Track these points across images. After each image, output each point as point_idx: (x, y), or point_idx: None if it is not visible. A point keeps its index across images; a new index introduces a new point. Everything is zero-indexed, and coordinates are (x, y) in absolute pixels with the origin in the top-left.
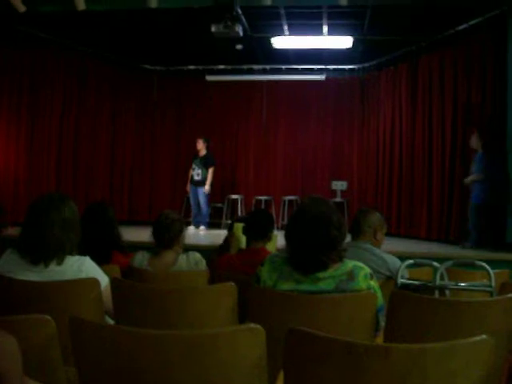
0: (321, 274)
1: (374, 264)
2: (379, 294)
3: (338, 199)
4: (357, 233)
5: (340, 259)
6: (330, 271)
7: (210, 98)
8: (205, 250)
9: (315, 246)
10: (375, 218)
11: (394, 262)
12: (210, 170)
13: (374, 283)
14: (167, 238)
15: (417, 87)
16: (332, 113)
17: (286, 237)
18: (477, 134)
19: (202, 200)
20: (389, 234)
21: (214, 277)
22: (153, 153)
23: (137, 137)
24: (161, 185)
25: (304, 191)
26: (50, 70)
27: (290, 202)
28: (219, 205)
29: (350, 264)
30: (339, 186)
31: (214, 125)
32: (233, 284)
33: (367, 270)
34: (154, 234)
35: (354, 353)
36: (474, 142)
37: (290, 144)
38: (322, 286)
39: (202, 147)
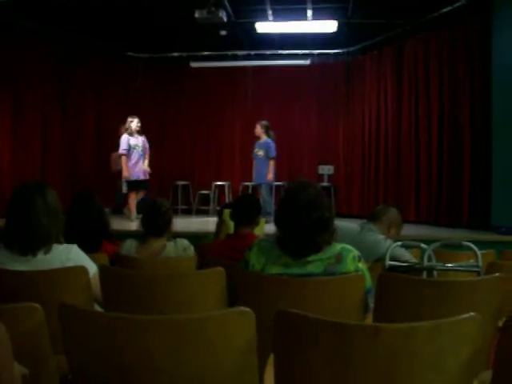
0: (310, 258)
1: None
2: (367, 275)
3: (325, 183)
4: (372, 218)
5: (330, 242)
6: (319, 254)
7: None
8: (193, 237)
9: (309, 227)
10: (395, 214)
11: (384, 247)
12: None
13: (362, 265)
14: (159, 226)
15: (402, 71)
16: (317, 98)
17: (277, 221)
18: None
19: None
20: None
21: (203, 262)
22: None
23: (122, 125)
24: None
25: (291, 176)
26: (33, 59)
27: (277, 187)
28: (206, 192)
29: (338, 247)
30: (326, 170)
31: (199, 112)
32: (221, 269)
33: (355, 252)
34: (145, 221)
35: (343, 333)
36: None
37: (276, 129)
38: (311, 269)
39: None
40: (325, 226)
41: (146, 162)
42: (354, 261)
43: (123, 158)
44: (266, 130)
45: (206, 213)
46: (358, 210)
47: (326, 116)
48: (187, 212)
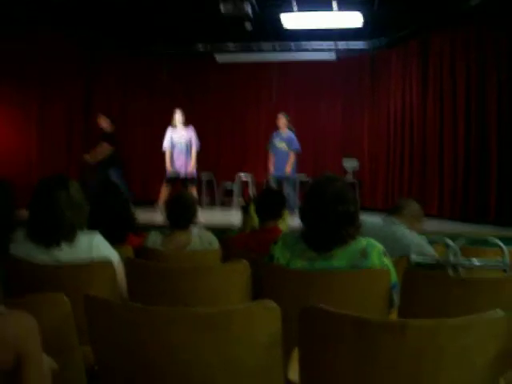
0: (334, 252)
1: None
2: (393, 270)
3: (350, 178)
4: (394, 212)
5: (355, 236)
6: (344, 247)
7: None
8: (216, 230)
9: (335, 221)
10: (416, 207)
11: (411, 241)
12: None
13: (387, 261)
14: (184, 218)
15: (428, 65)
16: (342, 92)
17: (303, 215)
18: None
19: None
20: None
21: (227, 256)
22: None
23: (147, 120)
24: None
25: (316, 171)
26: (59, 56)
27: (302, 182)
28: (228, 185)
29: (363, 242)
30: (350, 164)
31: (224, 106)
32: (246, 262)
33: (380, 247)
34: (171, 214)
35: (368, 329)
36: None
37: (301, 124)
38: (336, 263)
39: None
40: (350, 220)
41: (193, 158)
42: (379, 256)
43: (166, 152)
44: (288, 122)
45: (229, 205)
46: (383, 204)
47: (350, 110)
48: (211, 204)
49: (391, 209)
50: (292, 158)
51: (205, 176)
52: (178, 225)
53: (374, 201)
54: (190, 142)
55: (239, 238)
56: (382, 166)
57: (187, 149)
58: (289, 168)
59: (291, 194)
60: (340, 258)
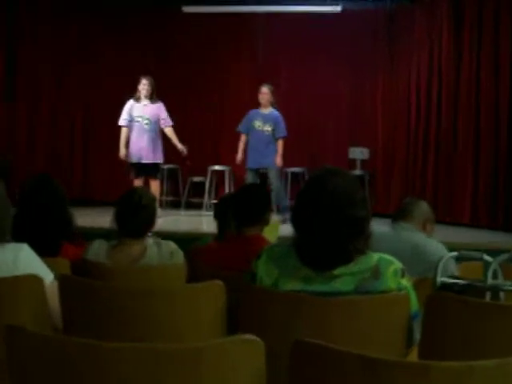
0: (337, 271)
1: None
2: (413, 296)
3: (358, 171)
4: (402, 215)
5: (364, 249)
6: (350, 266)
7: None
8: (182, 239)
9: (338, 230)
10: (426, 208)
11: (436, 250)
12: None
13: (406, 282)
14: (137, 224)
15: (462, 22)
16: (350, 57)
17: (295, 220)
18: None
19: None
20: None
21: (195, 273)
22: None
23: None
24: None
25: (313, 161)
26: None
27: (295, 174)
28: (199, 179)
29: (374, 257)
30: (359, 153)
31: (192, 71)
32: (219, 283)
33: (397, 264)
34: (120, 218)
35: (381, 371)
36: None
37: (294, 98)
38: (339, 285)
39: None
40: (358, 229)
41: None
42: (395, 276)
43: (122, 130)
44: (273, 94)
45: (198, 207)
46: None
47: (360, 81)
48: (175, 205)
49: (398, 212)
50: (281, 146)
51: (166, 168)
52: (128, 232)
53: (389, 202)
54: (157, 119)
55: (210, 249)
56: (401, 156)
57: (152, 129)
58: (279, 159)
59: (281, 193)
60: (345, 279)
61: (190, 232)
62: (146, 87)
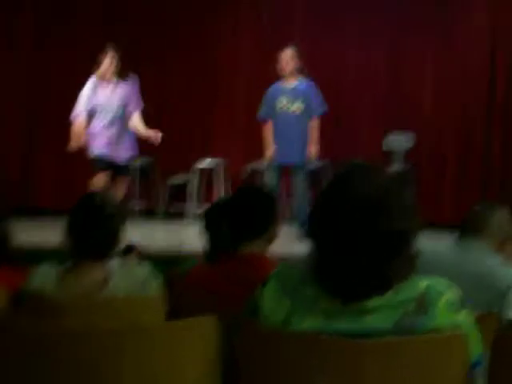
0: (370, 302)
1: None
2: (475, 336)
3: (397, 166)
4: (473, 230)
5: (407, 273)
6: (388, 297)
7: None
8: (159, 259)
9: (371, 249)
10: (507, 220)
11: (506, 275)
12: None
13: (465, 317)
14: (98, 240)
15: None
16: (389, 16)
17: (312, 235)
18: None
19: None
20: None
21: (178, 306)
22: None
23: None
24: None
25: (337, 153)
26: None
27: (313, 173)
28: (181, 179)
29: (421, 284)
30: (399, 142)
31: (176, 36)
32: (211, 318)
33: (453, 293)
34: (74, 232)
35: None
36: None
37: (313, 70)
38: (373, 322)
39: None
40: (398, 247)
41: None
42: (449, 309)
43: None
44: (302, 63)
45: (180, 216)
46: (455, 215)
47: (402, 48)
48: (149, 214)
49: (466, 224)
50: (316, 130)
51: (139, 164)
52: (86, 251)
53: (440, 208)
54: (126, 104)
55: (198, 273)
56: (456, 145)
57: (121, 117)
58: (313, 148)
59: (303, 198)
60: (380, 314)
61: (170, 250)
62: (114, 60)
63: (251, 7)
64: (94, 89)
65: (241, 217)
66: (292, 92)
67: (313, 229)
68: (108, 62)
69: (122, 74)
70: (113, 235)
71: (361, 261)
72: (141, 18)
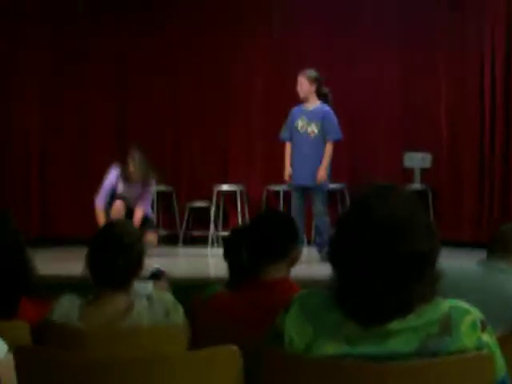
0: (393, 325)
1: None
2: (499, 356)
3: (416, 185)
4: (497, 250)
5: (430, 295)
6: (410, 319)
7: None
8: (181, 287)
9: (394, 271)
10: None
11: None
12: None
13: (488, 338)
14: (119, 271)
15: None
16: (400, 29)
17: (334, 259)
18: None
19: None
20: None
21: (200, 335)
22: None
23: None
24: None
25: (354, 173)
26: None
27: (331, 194)
28: (202, 204)
29: (444, 305)
30: (417, 161)
31: (184, 51)
32: (234, 348)
33: (476, 314)
34: (95, 262)
35: None
36: None
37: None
38: (396, 345)
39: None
40: (422, 269)
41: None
42: (473, 330)
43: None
44: (319, 86)
45: (202, 241)
46: (474, 233)
47: (415, 62)
48: (170, 240)
49: (495, 243)
50: (329, 152)
51: (157, 191)
52: (107, 282)
53: (459, 226)
54: (138, 199)
55: (220, 301)
56: (474, 166)
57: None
58: (323, 171)
59: (323, 220)
60: (404, 337)
61: (192, 278)
62: (137, 166)
63: (261, 33)
64: (117, 182)
65: (260, 241)
66: (309, 114)
67: (334, 253)
68: (134, 166)
69: (145, 177)
70: (134, 264)
71: (383, 284)
72: (152, 37)
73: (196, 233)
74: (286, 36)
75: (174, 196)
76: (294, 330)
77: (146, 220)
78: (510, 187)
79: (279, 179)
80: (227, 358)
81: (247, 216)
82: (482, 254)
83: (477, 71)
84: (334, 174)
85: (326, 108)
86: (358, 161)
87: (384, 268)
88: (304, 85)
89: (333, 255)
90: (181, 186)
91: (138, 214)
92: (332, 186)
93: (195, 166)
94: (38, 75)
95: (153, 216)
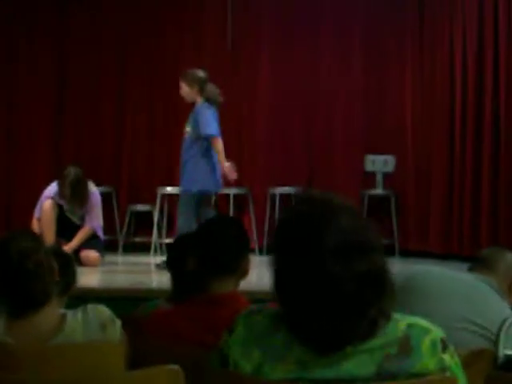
0: (350, 348)
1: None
2: (462, 378)
3: (379, 191)
4: (484, 265)
5: (388, 313)
6: (369, 341)
7: None
8: (119, 301)
9: (354, 295)
10: None
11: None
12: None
13: (450, 358)
14: (31, 291)
15: None
16: (364, 27)
17: (279, 286)
18: None
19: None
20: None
21: (139, 353)
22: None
23: None
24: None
25: (313, 177)
26: None
27: (286, 197)
28: (145, 207)
29: (401, 323)
30: (379, 164)
31: (129, 57)
32: (176, 368)
33: (436, 332)
34: (0, 288)
35: None
36: None
37: (284, 87)
38: (353, 368)
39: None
40: (381, 285)
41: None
42: (434, 349)
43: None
44: (201, 86)
45: (143, 249)
46: (442, 243)
47: (379, 62)
48: (108, 247)
49: (475, 264)
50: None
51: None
52: (24, 306)
53: (425, 235)
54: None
55: (161, 315)
56: (440, 167)
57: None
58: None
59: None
60: (360, 359)
61: (131, 289)
62: (67, 184)
63: (214, 31)
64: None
65: (207, 255)
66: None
67: (279, 281)
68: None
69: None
70: (46, 282)
71: (342, 311)
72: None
73: (137, 239)
74: (239, 43)
75: (114, 197)
76: (239, 353)
77: (92, 237)
78: (481, 192)
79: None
80: (169, 379)
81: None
82: (451, 266)
83: (446, 68)
84: (290, 177)
85: (199, 107)
86: (316, 164)
87: (341, 292)
88: (183, 88)
89: (278, 282)
90: (121, 187)
91: (83, 231)
92: (286, 189)
93: (138, 165)
94: None
95: (101, 234)
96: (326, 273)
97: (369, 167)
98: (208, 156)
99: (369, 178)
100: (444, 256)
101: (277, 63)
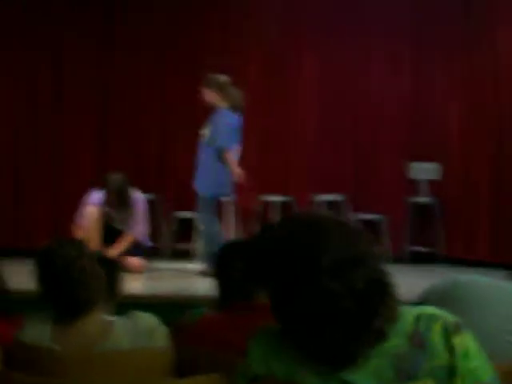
0: (362, 359)
1: None
2: (478, 358)
3: (423, 199)
4: None
5: (395, 315)
6: (382, 345)
7: None
8: (165, 308)
9: (362, 311)
10: None
11: None
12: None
13: (462, 340)
14: (75, 299)
15: None
16: (411, 33)
17: (279, 309)
18: None
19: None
20: None
21: (185, 361)
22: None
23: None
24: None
25: (355, 184)
26: None
27: (331, 204)
28: (190, 214)
29: (409, 314)
30: (424, 171)
31: (169, 63)
32: (221, 377)
33: (445, 317)
34: (47, 298)
35: None
36: None
37: (328, 94)
38: (371, 377)
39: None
40: (382, 294)
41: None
42: (446, 335)
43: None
44: (223, 91)
45: (188, 255)
46: (489, 251)
47: (425, 68)
48: (154, 253)
49: None
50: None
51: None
52: (67, 310)
53: (473, 243)
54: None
55: (207, 323)
56: (488, 178)
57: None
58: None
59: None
60: (376, 366)
61: (177, 297)
62: (111, 190)
63: (255, 37)
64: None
65: (255, 261)
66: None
67: (279, 304)
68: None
69: (123, 200)
70: (93, 289)
71: (343, 324)
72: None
73: (182, 246)
74: (281, 50)
75: (159, 204)
76: (264, 369)
77: (136, 244)
78: None
79: (274, 189)
80: None
81: (239, 228)
82: (497, 275)
83: (494, 76)
84: (334, 184)
85: (219, 114)
86: (358, 171)
87: (342, 309)
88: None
89: (277, 305)
90: (167, 192)
91: (126, 238)
92: (332, 196)
93: (182, 172)
94: None
95: (146, 240)
96: (324, 291)
97: (414, 174)
98: (220, 161)
99: (414, 185)
100: (491, 264)
101: (322, 75)
